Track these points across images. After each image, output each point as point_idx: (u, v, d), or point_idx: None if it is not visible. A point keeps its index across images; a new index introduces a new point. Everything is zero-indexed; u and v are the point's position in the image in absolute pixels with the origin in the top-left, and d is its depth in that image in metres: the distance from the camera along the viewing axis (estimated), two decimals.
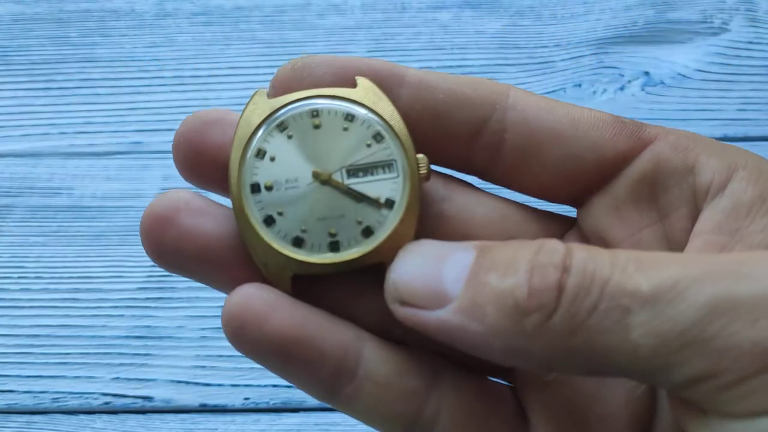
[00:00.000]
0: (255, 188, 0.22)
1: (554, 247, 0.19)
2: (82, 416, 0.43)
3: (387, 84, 0.22)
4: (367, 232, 0.22)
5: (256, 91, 0.22)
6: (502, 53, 0.53)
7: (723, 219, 0.21)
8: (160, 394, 0.44)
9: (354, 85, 0.22)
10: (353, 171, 0.22)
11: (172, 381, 0.44)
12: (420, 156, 0.22)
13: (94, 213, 0.49)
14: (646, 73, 0.52)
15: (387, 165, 0.22)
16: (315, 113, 0.22)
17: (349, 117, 0.22)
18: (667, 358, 0.17)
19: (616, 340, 0.18)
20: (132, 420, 0.43)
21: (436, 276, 0.20)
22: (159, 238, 0.21)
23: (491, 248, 0.20)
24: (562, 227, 0.24)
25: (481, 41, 0.54)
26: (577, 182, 0.23)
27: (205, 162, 0.22)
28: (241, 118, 0.22)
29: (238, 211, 0.21)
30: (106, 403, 0.43)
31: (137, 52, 0.54)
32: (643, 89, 0.51)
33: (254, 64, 0.54)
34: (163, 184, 0.50)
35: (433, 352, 0.23)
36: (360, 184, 0.22)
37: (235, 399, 0.43)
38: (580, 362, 0.18)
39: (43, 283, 0.47)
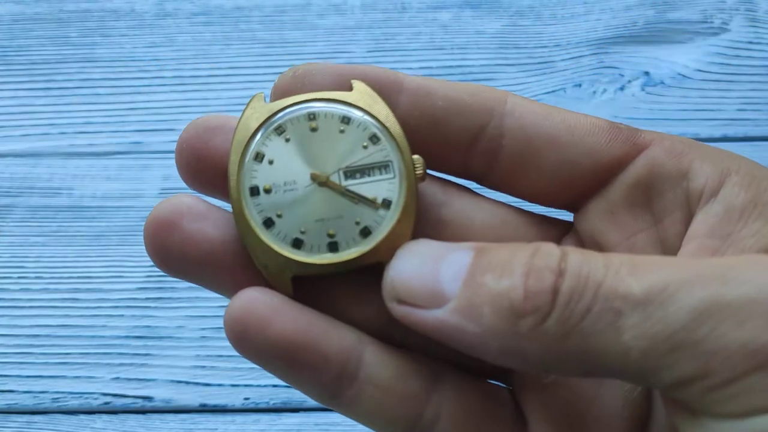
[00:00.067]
0: (254, 191, 0.22)
1: (550, 251, 0.19)
2: (82, 416, 0.43)
3: (386, 91, 0.23)
4: (366, 233, 0.22)
5: (254, 96, 0.23)
6: (502, 53, 0.53)
7: (716, 223, 0.21)
8: (160, 394, 0.44)
9: (350, 88, 0.23)
10: (350, 172, 0.22)
11: (172, 381, 0.44)
12: (416, 157, 0.22)
13: (94, 213, 0.49)
14: (646, 73, 0.52)
15: (383, 166, 0.22)
16: (312, 116, 0.22)
17: (346, 119, 0.22)
18: (657, 361, 0.18)
19: (607, 342, 0.18)
20: (132, 420, 0.43)
21: (434, 275, 0.20)
22: (163, 244, 0.21)
23: (488, 249, 0.20)
24: (559, 231, 0.24)
25: (481, 41, 0.54)
26: (574, 188, 0.23)
27: (207, 168, 0.22)
28: (239, 122, 0.22)
29: (238, 214, 0.22)
30: (106, 403, 0.43)
31: (137, 52, 0.54)
32: (643, 89, 0.51)
33: (254, 64, 0.54)
34: (163, 184, 0.50)
35: (432, 355, 0.23)
36: (357, 185, 0.22)
37: (235, 399, 0.43)
38: (574, 364, 0.19)
39: (43, 283, 0.47)
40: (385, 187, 0.22)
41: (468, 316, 0.19)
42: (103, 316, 0.46)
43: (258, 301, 0.21)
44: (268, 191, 0.22)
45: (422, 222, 0.23)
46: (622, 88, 0.52)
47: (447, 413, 0.22)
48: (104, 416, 0.43)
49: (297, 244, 0.22)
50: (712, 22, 0.54)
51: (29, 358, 0.45)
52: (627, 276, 0.18)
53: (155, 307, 0.46)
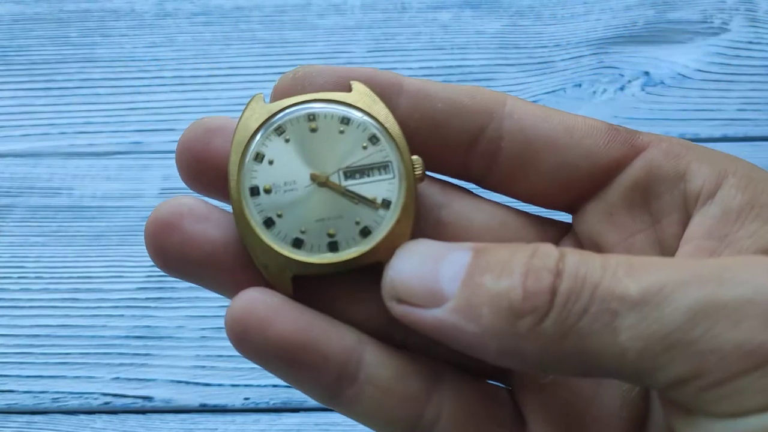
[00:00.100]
0: (254, 191, 0.22)
1: (548, 251, 0.19)
2: (82, 416, 0.43)
3: (386, 93, 0.23)
4: (365, 232, 0.22)
5: (253, 96, 0.23)
6: (502, 53, 0.53)
7: (713, 225, 0.21)
8: (160, 394, 0.44)
9: (349, 89, 0.23)
10: (350, 173, 0.22)
11: (172, 381, 0.44)
12: (415, 157, 0.22)
13: (94, 213, 0.49)
14: (646, 73, 0.52)
15: (383, 166, 0.22)
16: (311, 117, 0.22)
17: (345, 120, 0.22)
18: (653, 361, 0.18)
19: (604, 342, 0.18)
20: (132, 420, 0.43)
21: (433, 275, 0.20)
22: (163, 245, 0.21)
23: (487, 250, 0.20)
24: (558, 233, 0.24)
25: (481, 41, 0.54)
26: (572, 189, 0.23)
27: (208, 169, 0.22)
28: (238, 122, 0.22)
29: (238, 214, 0.22)
30: (106, 403, 0.43)
31: (137, 52, 0.54)
32: (643, 89, 0.51)
33: (254, 64, 0.54)
34: (163, 184, 0.50)
35: (432, 356, 0.23)
36: (357, 185, 0.22)
37: (235, 399, 0.43)
38: (571, 364, 0.19)
39: (43, 283, 0.47)
40: (384, 187, 0.22)
41: (467, 316, 0.19)
42: (103, 316, 0.46)
43: (258, 301, 0.21)
44: (268, 191, 0.22)
45: (422, 223, 0.23)
46: (622, 88, 0.52)
47: (447, 413, 0.22)
48: (104, 416, 0.43)
49: (297, 243, 0.22)
50: (712, 22, 0.54)
51: (29, 358, 0.45)
52: (624, 277, 0.18)
53: (155, 307, 0.46)
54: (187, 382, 0.44)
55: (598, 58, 0.53)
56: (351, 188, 0.22)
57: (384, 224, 0.22)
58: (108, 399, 0.44)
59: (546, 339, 0.18)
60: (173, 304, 0.46)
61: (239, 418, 0.43)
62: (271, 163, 0.22)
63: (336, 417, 0.43)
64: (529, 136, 0.23)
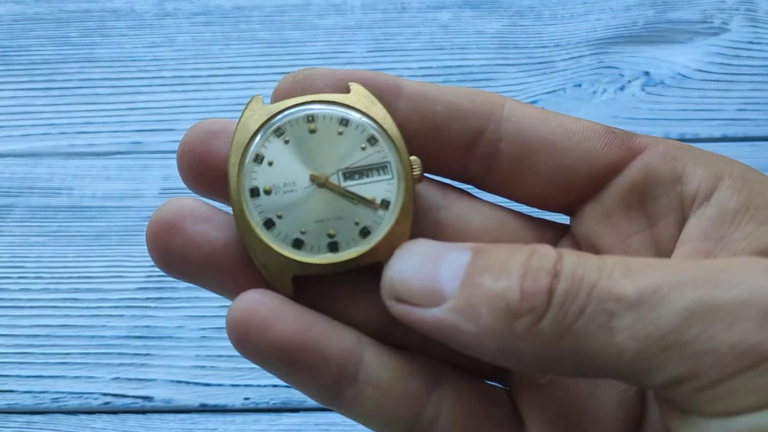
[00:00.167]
0: (254, 192, 0.22)
1: (546, 252, 0.19)
2: (82, 416, 0.43)
3: (385, 95, 0.23)
4: (365, 233, 0.22)
5: (252, 98, 0.23)
6: (502, 53, 0.53)
7: (709, 226, 0.21)
8: (160, 394, 0.44)
9: (347, 90, 0.23)
10: (349, 173, 0.22)
11: (172, 381, 0.44)
12: (413, 158, 0.23)
13: (94, 213, 0.49)
14: (646, 73, 0.52)
15: (381, 167, 0.22)
16: (310, 118, 0.23)
17: (344, 121, 0.23)
18: (649, 361, 0.18)
19: (601, 343, 0.18)
20: (132, 420, 0.43)
21: (432, 275, 0.20)
22: (165, 246, 0.21)
23: (486, 250, 0.20)
24: (556, 234, 0.24)
25: (481, 41, 0.54)
26: (570, 191, 0.23)
27: (209, 172, 0.22)
28: (238, 124, 0.23)
29: (239, 215, 0.22)
30: (106, 403, 0.43)
31: (137, 52, 0.54)
32: (643, 89, 0.51)
33: (254, 64, 0.54)
34: (163, 184, 0.50)
35: (431, 356, 0.23)
36: (356, 186, 0.22)
37: (235, 399, 0.43)
38: (568, 364, 0.19)
39: (43, 283, 0.47)
40: (383, 187, 0.22)
41: (465, 316, 0.19)
42: (103, 316, 0.46)
43: (258, 302, 0.21)
44: (268, 192, 0.22)
45: (421, 224, 0.23)
46: (622, 88, 0.52)
47: (446, 413, 0.22)
48: (104, 416, 0.43)
49: (297, 244, 0.22)
50: (712, 22, 0.54)
51: (29, 358, 0.45)
52: (620, 278, 0.18)
53: (155, 307, 0.46)
54: (187, 382, 0.44)
55: (598, 58, 0.53)
56: (350, 189, 0.22)
57: (383, 224, 0.22)
58: (108, 399, 0.44)
59: (543, 339, 0.18)
60: (173, 304, 0.46)
61: (239, 418, 0.43)
62: (270, 164, 0.22)
63: (336, 417, 0.43)
64: (527, 139, 0.23)
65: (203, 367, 0.44)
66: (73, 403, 0.44)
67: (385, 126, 0.23)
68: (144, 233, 0.22)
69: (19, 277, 0.47)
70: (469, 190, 0.24)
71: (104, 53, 0.54)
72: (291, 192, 0.22)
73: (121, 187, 0.50)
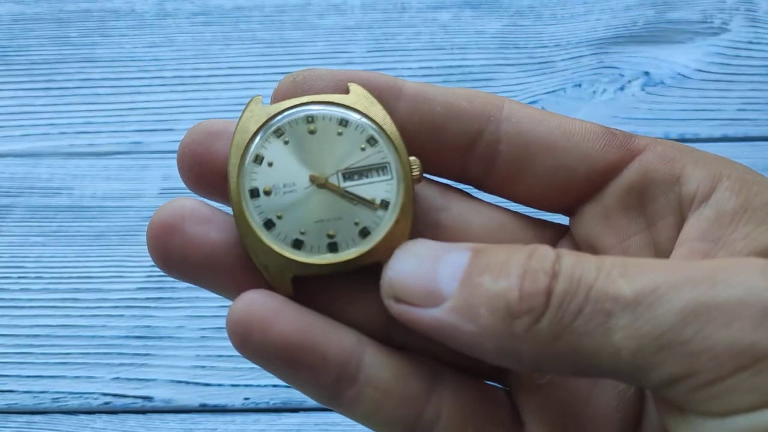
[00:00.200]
0: (254, 193, 0.22)
1: (545, 253, 0.19)
2: (82, 416, 0.43)
3: (385, 96, 0.23)
4: (365, 233, 0.22)
5: (252, 98, 0.23)
6: (502, 53, 0.53)
7: (707, 227, 0.21)
8: (160, 394, 0.44)
9: (347, 91, 0.23)
10: (349, 174, 0.22)
11: (172, 381, 0.44)
12: (412, 158, 0.23)
13: (94, 213, 0.49)
14: (646, 73, 0.52)
15: (381, 168, 0.22)
16: (310, 119, 0.23)
17: (343, 122, 0.23)
18: (646, 361, 0.18)
19: (598, 343, 0.18)
20: (132, 420, 0.43)
21: (431, 275, 0.20)
22: (165, 247, 0.21)
23: (485, 250, 0.20)
24: (555, 235, 0.24)
25: (481, 41, 0.54)
26: (569, 192, 0.23)
27: (209, 172, 0.22)
28: (237, 124, 0.23)
29: (239, 216, 0.22)
30: (106, 403, 0.43)
31: (137, 52, 0.54)
32: (643, 89, 0.51)
33: (254, 64, 0.54)
34: (163, 184, 0.50)
35: (431, 356, 0.23)
36: (356, 186, 0.22)
37: (235, 399, 0.43)
38: (567, 364, 0.19)
39: (43, 283, 0.47)
40: (383, 188, 0.22)
41: (465, 316, 0.19)
42: (103, 316, 0.46)
43: (259, 303, 0.21)
44: (267, 193, 0.22)
45: (421, 226, 0.23)
46: (622, 88, 0.52)
47: (446, 414, 0.22)
48: (104, 416, 0.43)
49: (297, 244, 0.22)
50: (712, 22, 0.54)
51: (29, 358, 0.45)
52: (618, 278, 0.18)
53: (155, 307, 0.46)
54: (187, 382, 0.44)
55: (598, 58, 0.53)
56: (350, 189, 0.22)
57: (383, 225, 0.22)
58: (108, 399, 0.44)
59: (542, 339, 0.19)
60: (173, 304, 0.46)
61: (239, 418, 0.43)
62: (270, 164, 0.22)
63: (336, 417, 0.43)
64: (526, 139, 0.23)
65: (203, 367, 0.44)
66: (73, 403, 0.44)
67: (384, 127, 0.23)
68: (144, 233, 0.22)
69: (19, 277, 0.47)
70: (468, 191, 0.24)
71: (104, 53, 0.54)
72: (291, 192, 0.22)
73: (121, 187, 0.50)
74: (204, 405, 0.43)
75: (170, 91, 0.53)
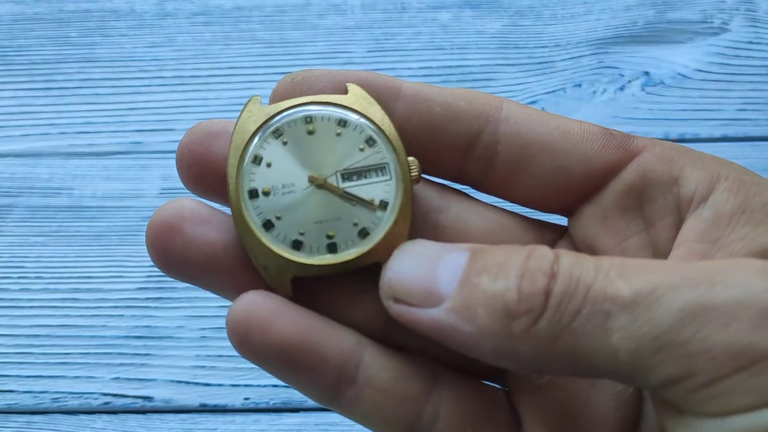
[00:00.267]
0: (253, 194, 0.22)
1: (544, 254, 0.19)
2: (82, 416, 0.43)
3: (384, 97, 0.23)
4: (364, 234, 0.22)
5: (250, 99, 0.23)
6: (502, 53, 0.53)
7: (705, 228, 0.21)
8: (160, 394, 0.44)
9: (345, 91, 0.23)
10: (347, 175, 0.22)
11: (172, 381, 0.44)
12: (411, 159, 0.23)
13: (94, 213, 0.49)
14: (646, 73, 0.52)
15: (380, 168, 0.22)
16: (309, 119, 0.23)
17: (342, 122, 0.23)
18: (644, 361, 0.18)
19: (597, 343, 0.18)
20: (132, 420, 0.43)
21: (430, 276, 0.20)
22: (165, 247, 0.21)
23: (484, 251, 0.20)
24: (554, 236, 0.24)
25: (481, 41, 0.54)
26: (568, 193, 0.23)
27: (208, 173, 0.22)
28: (235, 125, 0.23)
29: (237, 217, 0.22)
30: (106, 403, 0.44)
31: (137, 52, 0.54)
32: (643, 89, 0.51)
33: (254, 64, 0.54)
34: (163, 184, 0.50)
35: (430, 357, 0.23)
36: (354, 187, 0.22)
37: (235, 399, 0.44)
38: (565, 364, 0.19)
39: (43, 283, 0.47)
40: (381, 188, 0.22)
41: (463, 317, 0.19)
42: (103, 316, 0.46)
43: (258, 304, 0.21)
44: (266, 194, 0.22)
45: (420, 226, 0.23)
46: (622, 88, 0.52)
47: (445, 414, 0.22)
48: (104, 416, 0.43)
49: (296, 245, 0.22)
50: (712, 22, 0.54)
51: (29, 358, 0.45)
52: (616, 279, 0.18)
53: (155, 307, 0.46)
54: (187, 382, 0.44)
55: (598, 58, 0.53)
56: (349, 190, 0.22)
57: (382, 225, 0.22)
58: (108, 399, 0.44)
59: (540, 340, 0.19)
60: (173, 304, 0.46)
61: (239, 418, 0.43)
62: (269, 165, 0.22)
63: (335, 417, 0.43)
64: (525, 140, 0.23)
65: (203, 367, 0.44)
66: (73, 403, 0.44)
67: (383, 127, 0.23)
68: (144, 233, 0.22)
69: (19, 277, 0.47)
70: (467, 192, 0.24)
71: (104, 53, 0.54)
72: (290, 193, 0.22)
73: (121, 187, 0.50)
74: (204, 405, 0.43)
75: (170, 91, 0.53)
